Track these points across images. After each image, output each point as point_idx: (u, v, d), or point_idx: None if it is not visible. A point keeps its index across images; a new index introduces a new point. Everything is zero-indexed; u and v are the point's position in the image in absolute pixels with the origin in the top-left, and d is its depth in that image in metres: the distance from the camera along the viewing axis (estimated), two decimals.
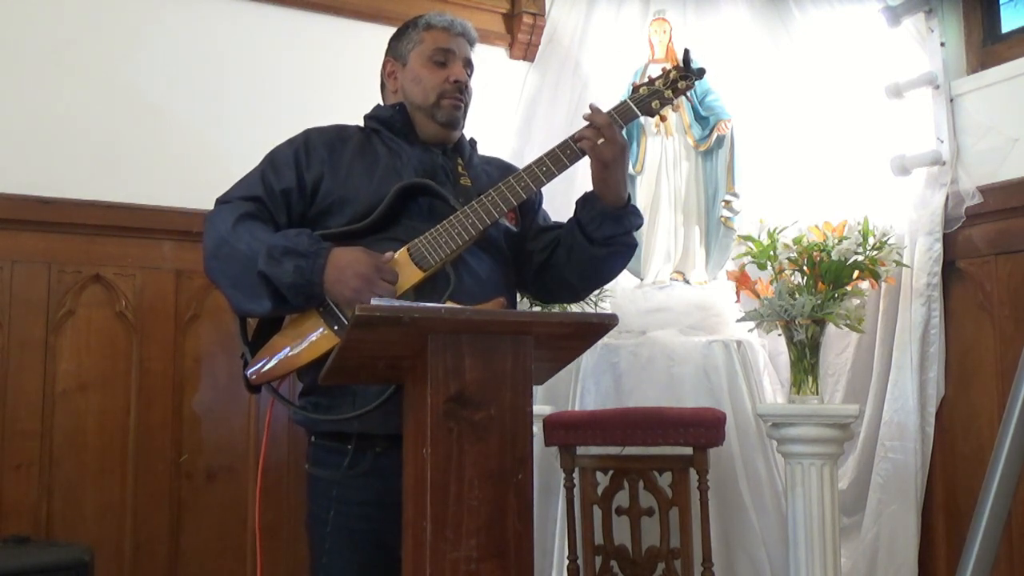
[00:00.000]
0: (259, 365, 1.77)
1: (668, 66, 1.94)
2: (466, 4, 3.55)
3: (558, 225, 2.00)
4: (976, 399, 3.03)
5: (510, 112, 3.65)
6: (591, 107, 1.84)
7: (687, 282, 3.40)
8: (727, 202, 3.38)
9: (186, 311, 2.98)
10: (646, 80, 1.94)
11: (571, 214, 1.95)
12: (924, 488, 3.05)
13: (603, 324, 1.47)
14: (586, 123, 1.83)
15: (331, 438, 1.81)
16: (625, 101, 1.87)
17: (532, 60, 3.75)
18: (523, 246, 1.99)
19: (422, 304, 1.48)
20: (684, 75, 1.89)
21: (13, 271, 2.76)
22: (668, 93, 1.88)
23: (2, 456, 2.68)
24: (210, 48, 3.14)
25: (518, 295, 2.11)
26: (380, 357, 1.45)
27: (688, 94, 1.94)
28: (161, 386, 2.91)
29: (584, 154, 1.82)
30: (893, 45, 3.32)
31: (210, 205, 2.96)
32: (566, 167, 1.83)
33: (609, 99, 3.53)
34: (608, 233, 1.87)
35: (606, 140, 1.79)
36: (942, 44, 3.22)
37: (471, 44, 2.00)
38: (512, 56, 3.74)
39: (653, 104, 1.88)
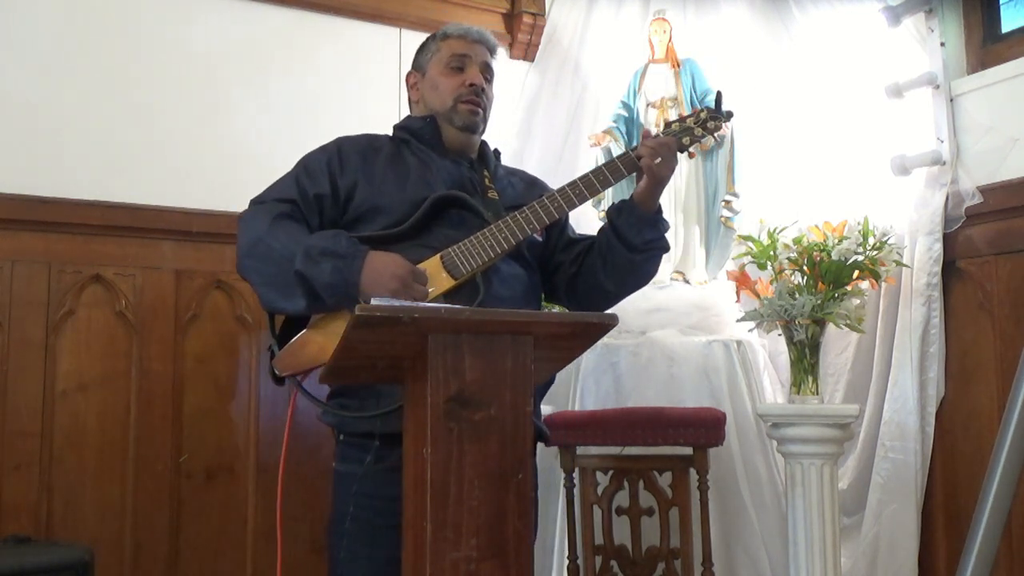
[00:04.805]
0: (286, 358, 1.82)
1: (699, 106, 2.04)
2: (466, 4, 3.55)
3: (587, 237, 2.08)
4: (976, 399, 3.03)
5: (510, 112, 3.65)
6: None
7: (687, 282, 3.39)
8: (727, 202, 3.38)
9: (186, 311, 2.98)
10: (677, 118, 2.05)
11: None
12: (924, 488, 3.05)
13: (603, 324, 1.47)
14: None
15: (359, 436, 1.84)
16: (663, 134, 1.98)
17: (532, 60, 3.75)
18: (552, 257, 2.06)
19: (422, 304, 1.49)
20: (713, 116, 1.99)
21: (13, 271, 2.76)
22: (698, 131, 1.98)
23: (2, 456, 2.68)
24: (210, 48, 3.14)
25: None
26: (380, 357, 1.45)
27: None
28: (161, 386, 2.91)
29: (635, 170, 1.92)
30: (893, 45, 3.32)
31: (209, 205, 2.99)
32: (611, 184, 1.92)
33: (609, 98, 3.58)
34: (648, 238, 1.96)
35: (664, 160, 1.89)
36: (942, 44, 3.22)
37: (491, 51, 2.07)
38: (512, 56, 3.73)
39: (684, 140, 1.97)
